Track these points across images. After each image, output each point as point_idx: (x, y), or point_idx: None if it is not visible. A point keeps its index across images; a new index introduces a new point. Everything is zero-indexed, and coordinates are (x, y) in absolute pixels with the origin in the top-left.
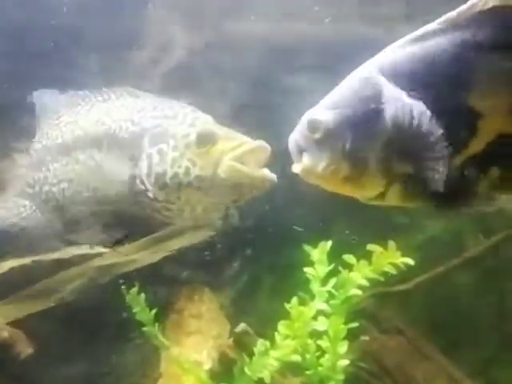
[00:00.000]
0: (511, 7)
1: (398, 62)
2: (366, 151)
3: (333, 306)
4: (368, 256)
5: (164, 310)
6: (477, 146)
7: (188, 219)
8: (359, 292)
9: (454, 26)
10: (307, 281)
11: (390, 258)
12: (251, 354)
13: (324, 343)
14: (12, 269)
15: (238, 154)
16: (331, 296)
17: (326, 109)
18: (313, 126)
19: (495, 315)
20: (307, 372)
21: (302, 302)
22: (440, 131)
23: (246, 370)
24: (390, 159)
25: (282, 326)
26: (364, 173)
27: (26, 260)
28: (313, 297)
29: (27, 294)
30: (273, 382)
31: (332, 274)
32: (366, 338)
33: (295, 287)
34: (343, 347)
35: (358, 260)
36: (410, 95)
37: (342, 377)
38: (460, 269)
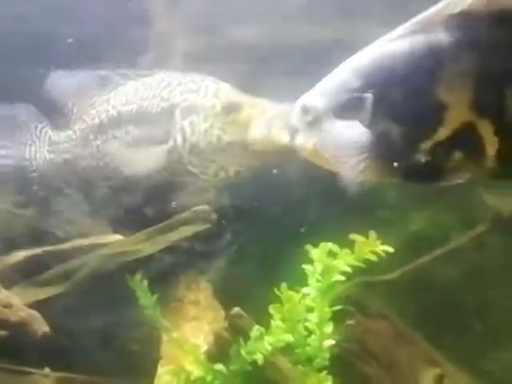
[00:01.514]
0: (475, 12)
1: (378, 59)
2: (346, 137)
3: (318, 291)
4: (352, 245)
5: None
6: (443, 132)
7: (222, 180)
8: (342, 278)
9: (426, 26)
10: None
11: (371, 247)
12: (245, 336)
13: (311, 325)
14: (26, 257)
15: (264, 120)
16: (318, 281)
17: (317, 95)
18: (305, 110)
19: (478, 304)
20: (296, 350)
21: (291, 288)
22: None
23: (241, 352)
24: (368, 141)
25: (272, 309)
26: (344, 153)
27: (38, 250)
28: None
29: (40, 280)
30: (264, 362)
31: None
32: (352, 322)
33: (286, 275)
34: (329, 328)
35: (341, 249)
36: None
37: (327, 355)
38: (443, 260)
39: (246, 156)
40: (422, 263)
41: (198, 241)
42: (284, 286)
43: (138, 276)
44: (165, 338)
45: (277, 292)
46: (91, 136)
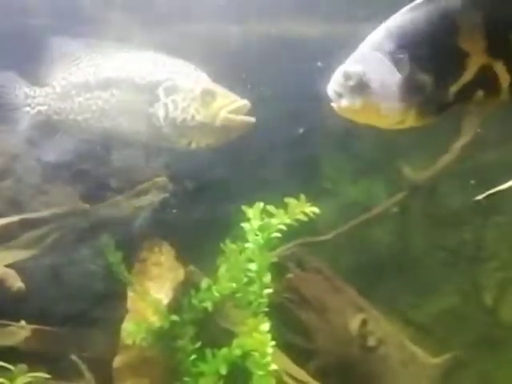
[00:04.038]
0: None
1: (406, 23)
2: (389, 93)
3: (257, 245)
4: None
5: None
6: (467, 76)
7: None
8: (278, 234)
9: None
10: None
11: (301, 208)
12: (197, 288)
13: (251, 274)
14: (3, 224)
15: (232, 109)
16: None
17: (355, 62)
18: (347, 76)
19: (402, 261)
20: (237, 295)
21: (234, 243)
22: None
23: (193, 301)
24: (409, 92)
25: (219, 261)
26: (389, 107)
27: (15, 218)
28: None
29: (15, 244)
30: (215, 310)
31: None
32: (291, 275)
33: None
34: (267, 277)
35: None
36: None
37: (265, 300)
38: (371, 222)
39: (214, 135)
40: (353, 226)
41: (158, 208)
42: (228, 241)
43: (106, 236)
44: (130, 293)
45: (222, 247)
46: (73, 92)
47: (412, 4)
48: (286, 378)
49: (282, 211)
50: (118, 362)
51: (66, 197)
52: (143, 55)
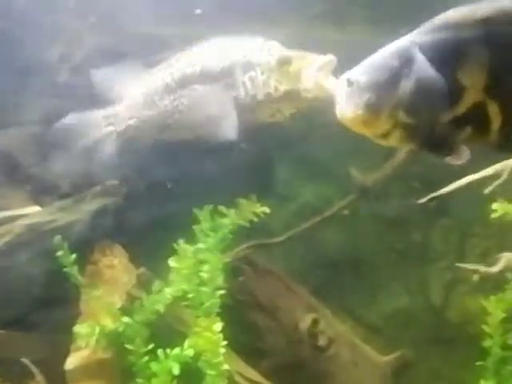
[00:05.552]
0: (491, 18)
1: (414, 46)
2: (384, 105)
3: (208, 245)
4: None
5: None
6: (460, 109)
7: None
8: (230, 235)
9: (454, 25)
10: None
11: (252, 208)
12: (149, 290)
13: (204, 275)
14: None
15: (313, 69)
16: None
17: (360, 71)
18: (349, 83)
19: (352, 261)
20: (189, 296)
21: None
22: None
23: (144, 304)
24: (397, 113)
25: (171, 262)
26: (377, 119)
27: None
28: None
29: None
30: (167, 311)
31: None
32: (243, 278)
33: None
34: (219, 278)
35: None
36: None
37: (217, 301)
38: (322, 224)
39: (300, 101)
40: (305, 227)
41: (109, 211)
42: (181, 241)
43: (59, 238)
44: (83, 296)
45: (175, 247)
46: (156, 97)
47: (425, 26)
48: (237, 378)
49: (233, 211)
50: (70, 364)
51: (16, 199)
52: (210, 43)
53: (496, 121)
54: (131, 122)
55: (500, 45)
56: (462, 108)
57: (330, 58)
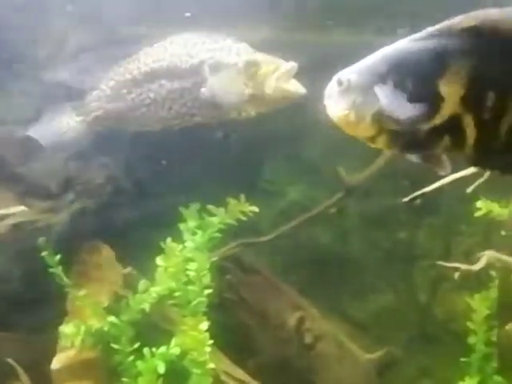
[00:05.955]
0: (476, 29)
1: (402, 52)
2: (368, 108)
3: (195, 244)
4: None
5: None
6: (437, 120)
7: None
8: (218, 234)
9: (441, 34)
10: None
11: (241, 207)
12: (135, 290)
13: (191, 273)
14: None
15: (278, 75)
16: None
17: (351, 72)
18: (339, 82)
19: (339, 260)
20: (176, 294)
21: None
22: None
23: (130, 303)
24: (381, 118)
25: (158, 260)
26: (362, 120)
27: None
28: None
29: None
30: (153, 310)
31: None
32: (230, 276)
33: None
34: (206, 277)
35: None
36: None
37: (204, 299)
38: (309, 223)
39: (263, 105)
40: (293, 226)
41: (96, 210)
42: (169, 240)
43: (43, 238)
44: (70, 296)
45: (162, 245)
46: (124, 90)
47: (417, 34)
48: (223, 377)
49: (222, 210)
50: (56, 363)
51: (2, 199)
52: (181, 38)
53: (471, 135)
54: (99, 113)
55: (482, 57)
56: (439, 119)
57: (292, 64)
